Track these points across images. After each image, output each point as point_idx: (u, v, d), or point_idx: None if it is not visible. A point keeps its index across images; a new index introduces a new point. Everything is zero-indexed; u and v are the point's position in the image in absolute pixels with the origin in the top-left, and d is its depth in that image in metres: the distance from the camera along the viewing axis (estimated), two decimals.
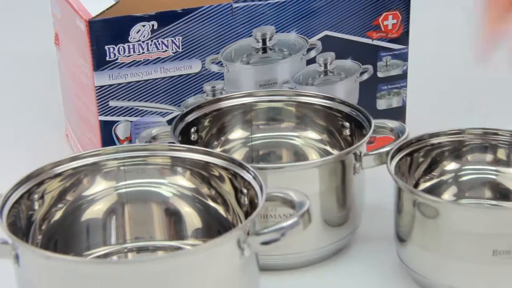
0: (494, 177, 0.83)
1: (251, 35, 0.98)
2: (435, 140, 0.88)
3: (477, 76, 1.30)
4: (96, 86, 0.94)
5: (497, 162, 0.83)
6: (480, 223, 0.77)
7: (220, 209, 0.82)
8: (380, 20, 1.02)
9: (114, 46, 0.93)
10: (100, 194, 0.83)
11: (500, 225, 0.77)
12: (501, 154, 0.84)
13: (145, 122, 0.97)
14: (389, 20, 1.03)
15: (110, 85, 0.95)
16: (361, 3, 1.01)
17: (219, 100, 0.97)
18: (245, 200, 0.79)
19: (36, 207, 0.79)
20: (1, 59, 1.38)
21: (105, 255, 0.83)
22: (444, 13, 1.50)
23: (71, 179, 0.81)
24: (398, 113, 1.07)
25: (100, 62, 0.93)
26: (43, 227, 0.79)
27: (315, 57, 1.02)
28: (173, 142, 0.87)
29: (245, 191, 0.79)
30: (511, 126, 0.87)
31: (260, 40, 0.99)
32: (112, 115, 0.96)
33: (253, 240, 0.71)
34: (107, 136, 0.97)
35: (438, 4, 1.50)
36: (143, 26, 0.93)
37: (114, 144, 0.97)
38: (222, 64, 0.98)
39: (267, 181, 0.79)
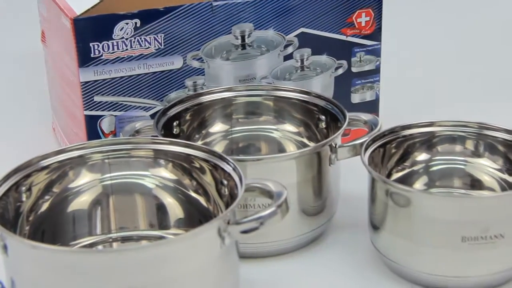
0: (462, 167, 0.83)
1: (231, 32, 0.98)
2: (406, 132, 0.88)
3: (447, 70, 1.31)
4: (82, 82, 0.94)
5: (465, 152, 0.84)
6: (450, 211, 0.77)
7: (202, 200, 0.82)
8: (354, 18, 1.03)
9: (99, 43, 0.92)
10: (85, 186, 0.83)
11: (469, 213, 0.77)
12: (469, 145, 0.85)
13: (129, 116, 0.97)
14: (363, 18, 1.03)
15: (95, 81, 0.94)
16: (335, 1, 1.01)
17: (200, 94, 0.96)
18: (225, 191, 0.79)
19: (24, 199, 0.78)
20: None
21: (91, 245, 0.83)
22: (415, 10, 1.50)
23: (57, 171, 0.81)
24: (372, 107, 1.07)
25: (85, 58, 0.93)
26: (31, 218, 0.79)
27: (292, 53, 1.02)
28: (156, 136, 0.87)
29: (225, 182, 0.78)
30: (478, 118, 0.88)
31: (239, 37, 0.99)
32: (97, 110, 0.96)
33: (233, 229, 0.71)
34: (93, 130, 0.96)
35: (409, 2, 1.50)
36: (126, 24, 0.93)
37: (99, 137, 0.96)
38: (202, 60, 0.98)
39: (246, 173, 0.79)
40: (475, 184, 0.86)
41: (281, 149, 0.98)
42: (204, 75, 0.98)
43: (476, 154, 0.84)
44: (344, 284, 0.84)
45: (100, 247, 0.83)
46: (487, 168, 0.82)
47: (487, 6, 1.54)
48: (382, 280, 0.83)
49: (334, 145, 0.86)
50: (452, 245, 0.78)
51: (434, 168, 0.84)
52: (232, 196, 0.76)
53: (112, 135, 0.97)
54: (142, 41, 0.94)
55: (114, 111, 0.96)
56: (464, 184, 0.86)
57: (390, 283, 0.83)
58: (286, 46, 1.01)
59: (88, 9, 0.92)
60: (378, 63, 1.06)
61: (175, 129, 0.94)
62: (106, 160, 0.83)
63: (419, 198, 0.79)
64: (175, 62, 0.97)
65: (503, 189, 0.85)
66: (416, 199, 0.79)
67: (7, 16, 1.47)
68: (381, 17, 1.04)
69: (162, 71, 0.96)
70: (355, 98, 1.07)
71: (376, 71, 1.06)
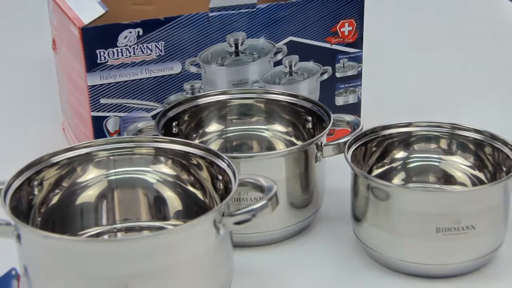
0: (437, 164, 0.83)
1: (225, 40, 0.98)
2: (386, 132, 0.88)
3: (423, 75, 1.31)
4: (89, 86, 0.93)
5: (439, 151, 0.84)
6: (425, 204, 0.77)
7: (198, 194, 0.82)
8: (337, 27, 1.02)
9: (104, 50, 0.92)
10: (92, 180, 0.82)
11: (443, 206, 0.77)
12: (443, 144, 0.85)
13: (132, 117, 0.97)
14: (346, 27, 1.03)
15: (101, 85, 0.94)
16: (321, 12, 1.01)
17: (197, 97, 0.96)
18: (220, 186, 0.79)
19: (36, 192, 0.78)
20: (5, 62, 1.37)
21: (97, 235, 0.83)
22: (394, 20, 1.50)
23: (66, 167, 0.81)
24: (354, 108, 1.07)
25: (92, 64, 0.92)
26: (42, 210, 0.79)
27: (281, 59, 1.01)
28: (156, 135, 0.87)
29: (220, 177, 0.78)
30: (452, 119, 0.88)
31: (233, 45, 0.99)
32: (103, 111, 0.95)
33: (227, 220, 0.71)
34: (99, 129, 0.96)
35: (388, 13, 1.50)
36: (130, 32, 0.93)
37: (105, 136, 0.96)
38: (199, 65, 0.97)
39: (239, 169, 0.79)
40: (448, 179, 0.86)
41: (272, 147, 0.98)
42: (201, 79, 0.98)
43: (449, 152, 0.84)
44: (328, 271, 0.84)
45: (105, 236, 0.83)
46: (459, 165, 0.83)
47: (459, 12, 1.54)
48: (363, 267, 0.83)
49: (319, 144, 0.86)
50: (427, 236, 0.78)
51: (411, 165, 0.84)
52: (227, 190, 0.76)
53: (117, 134, 0.97)
54: (144, 48, 0.94)
55: (119, 112, 0.96)
56: (438, 179, 0.87)
57: (371, 270, 0.83)
58: (276, 53, 1.01)
59: (95, 19, 0.92)
60: (360, 69, 1.06)
61: (174, 129, 0.94)
62: (111, 157, 0.83)
63: (397, 192, 0.79)
64: (174, 68, 0.97)
65: (474, 184, 0.85)
66: (395, 193, 0.79)
67: (22, 26, 1.46)
68: (362, 27, 1.04)
69: (163, 76, 0.96)
70: (339, 100, 1.06)
71: (358, 76, 1.06)
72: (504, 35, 1.47)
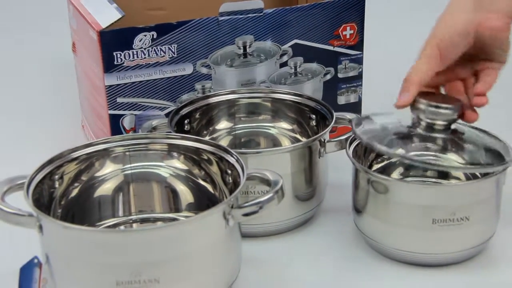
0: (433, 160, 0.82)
1: (234, 43, 0.98)
2: None
3: None
4: (106, 86, 0.93)
5: (435, 148, 0.83)
6: (422, 197, 0.77)
7: (209, 187, 0.82)
8: (339, 31, 1.02)
9: (121, 52, 0.92)
10: (109, 174, 0.82)
11: (438, 199, 0.77)
12: (439, 142, 0.84)
13: (146, 115, 0.97)
14: (347, 31, 1.02)
15: (118, 85, 0.94)
16: (324, 17, 1.00)
17: (208, 97, 0.96)
18: (229, 179, 0.78)
19: (57, 186, 0.78)
20: (29, 64, 1.37)
21: (114, 225, 0.83)
22: (393, 25, 1.50)
23: (85, 162, 0.81)
24: (355, 107, 1.06)
25: (109, 65, 0.92)
26: (62, 202, 0.79)
27: (286, 61, 1.01)
28: (169, 132, 0.87)
29: (229, 172, 0.78)
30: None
31: (242, 47, 0.98)
32: (119, 110, 0.95)
33: (236, 212, 0.71)
34: (116, 127, 0.96)
35: (387, 18, 1.50)
36: (145, 35, 0.92)
37: (121, 133, 0.96)
38: (210, 67, 0.97)
39: (247, 164, 0.78)
40: (444, 174, 0.85)
41: (278, 144, 0.97)
42: (211, 79, 0.98)
43: (444, 150, 0.83)
44: (331, 259, 0.83)
45: (122, 227, 0.83)
46: (454, 161, 0.82)
47: None
48: (363, 255, 0.83)
49: (323, 140, 0.86)
50: (424, 226, 0.77)
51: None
52: (235, 184, 0.76)
53: (132, 131, 0.97)
54: (158, 50, 0.94)
55: (134, 110, 0.96)
56: (434, 174, 0.86)
57: (370, 259, 0.83)
58: (281, 55, 1.00)
59: (112, 23, 0.91)
60: (360, 70, 1.05)
61: (186, 126, 0.94)
62: (127, 153, 0.83)
63: (396, 186, 0.79)
64: (186, 69, 0.96)
65: (468, 178, 0.84)
66: (393, 187, 0.78)
67: (44, 31, 1.46)
68: (363, 30, 1.03)
69: (175, 76, 0.96)
70: (341, 100, 1.06)
71: (359, 77, 1.06)
72: None
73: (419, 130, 0.81)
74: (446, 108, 0.78)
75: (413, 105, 0.80)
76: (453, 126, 0.81)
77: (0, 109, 1.21)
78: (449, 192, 0.78)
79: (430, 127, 0.80)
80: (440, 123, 0.80)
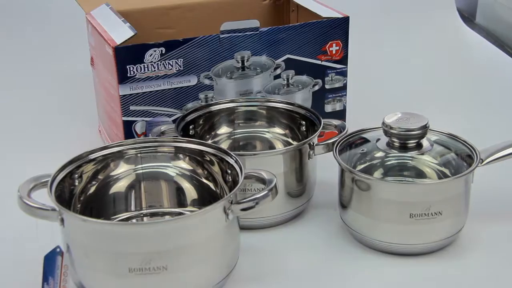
0: (410, 161, 0.82)
1: (234, 58, 0.97)
2: (366, 134, 0.87)
3: (400, 86, 1.31)
4: (120, 95, 0.93)
5: (412, 150, 0.82)
6: (400, 194, 0.77)
7: (211, 185, 0.81)
8: (327, 47, 1.02)
9: (133, 66, 0.92)
10: (123, 174, 0.82)
11: (415, 196, 0.77)
12: (414, 144, 0.83)
13: (156, 121, 0.96)
14: (333, 47, 1.02)
15: (131, 94, 0.93)
16: (313, 35, 1.00)
17: (210, 105, 0.96)
18: (229, 178, 0.78)
19: (76, 183, 0.78)
20: (53, 77, 1.36)
21: (127, 219, 0.82)
22: (374, 42, 1.49)
23: (102, 163, 0.80)
24: (340, 114, 1.06)
25: (123, 77, 0.92)
26: (81, 198, 0.79)
27: (280, 74, 1.01)
28: (176, 136, 0.86)
29: (229, 171, 0.78)
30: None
31: (240, 61, 0.98)
32: (132, 116, 0.95)
33: (235, 207, 0.71)
34: (129, 131, 0.95)
35: (369, 37, 1.49)
36: (155, 51, 0.92)
37: (134, 137, 0.95)
38: (212, 78, 0.97)
39: (245, 164, 0.78)
40: (419, 174, 0.85)
41: (272, 147, 0.97)
42: (213, 90, 0.97)
43: (420, 151, 0.83)
44: (319, 249, 0.83)
45: (134, 220, 0.82)
46: (428, 162, 0.82)
47: (423, 31, 1.54)
48: (348, 246, 0.83)
49: (312, 144, 0.86)
50: (402, 220, 0.77)
51: (388, 162, 0.83)
52: (234, 182, 0.75)
53: (143, 135, 0.96)
54: (166, 64, 0.93)
55: (145, 117, 0.95)
56: (410, 174, 0.85)
57: (355, 249, 0.82)
58: (275, 68, 1.00)
59: (126, 40, 0.91)
60: (345, 81, 1.05)
61: (191, 131, 0.93)
62: (139, 154, 0.82)
63: (377, 184, 0.78)
64: (191, 80, 0.96)
65: (440, 178, 0.84)
66: (375, 185, 0.78)
67: (65, 47, 1.46)
68: (347, 46, 1.03)
69: (181, 87, 0.95)
70: (328, 108, 1.06)
71: (344, 87, 1.05)
72: (463, 53, 1.47)
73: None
74: None
75: None
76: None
77: (27, 116, 1.20)
78: (425, 190, 0.77)
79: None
80: None
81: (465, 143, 0.84)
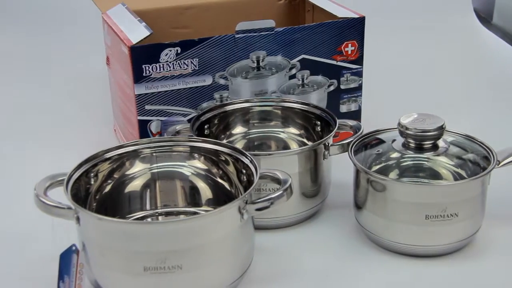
0: (426, 162, 0.81)
1: (249, 58, 0.97)
2: (381, 135, 0.87)
3: (414, 87, 1.30)
4: (136, 94, 0.93)
5: (428, 151, 0.82)
6: (416, 195, 0.76)
7: (226, 185, 0.81)
8: (342, 47, 1.01)
9: (149, 65, 0.92)
10: (138, 173, 0.82)
11: (430, 197, 0.76)
12: (430, 145, 0.83)
13: (171, 120, 0.96)
14: (349, 47, 1.02)
15: (146, 94, 0.93)
16: (328, 35, 0.99)
17: (225, 105, 0.96)
18: (244, 178, 0.78)
19: (92, 182, 0.78)
20: (69, 76, 1.37)
21: (142, 218, 0.82)
22: (389, 42, 1.49)
23: (117, 162, 0.81)
24: (356, 115, 1.06)
25: (138, 77, 0.92)
26: (97, 197, 0.79)
27: (295, 74, 1.00)
28: (191, 135, 0.87)
29: (244, 171, 0.78)
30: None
31: (255, 61, 0.98)
32: (147, 116, 0.95)
33: (250, 207, 0.71)
34: (144, 131, 0.96)
35: (384, 37, 1.49)
36: (170, 50, 0.92)
37: (149, 137, 0.96)
38: (227, 78, 0.97)
39: (260, 164, 0.78)
40: (435, 175, 0.84)
41: (287, 147, 0.97)
42: (228, 90, 0.98)
43: (436, 153, 0.82)
44: (334, 250, 0.83)
45: (149, 219, 0.82)
46: (444, 163, 0.81)
47: (442, 31, 1.53)
48: (363, 247, 0.82)
49: (327, 144, 0.86)
50: (417, 221, 0.77)
51: (404, 163, 0.82)
52: (249, 182, 0.75)
53: (159, 135, 0.96)
54: (181, 64, 0.93)
55: (160, 116, 0.96)
56: (426, 175, 0.85)
57: (369, 249, 0.82)
58: (290, 69, 1.00)
59: (142, 40, 0.91)
60: (360, 82, 1.05)
61: (206, 131, 0.93)
62: (154, 154, 0.82)
63: (393, 185, 0.78)
64: (206, 80, 0.96)
65: (456, 179, 0.83)
66: (391, 186, 0.78)
67: (81, 46, 1.47)
68: (363, 47, 1.03)
69: (196, 87, 0.96)
70: (343, 108, 1.05)
71: (359, 88, 1.05)
72: (483, 55, 1.46)
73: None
74: None
75: None
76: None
77: (44, 115, 1.21)
78: (441, 191, 0.77)
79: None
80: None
81: (481, 144, 0.83)
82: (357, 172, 0.82)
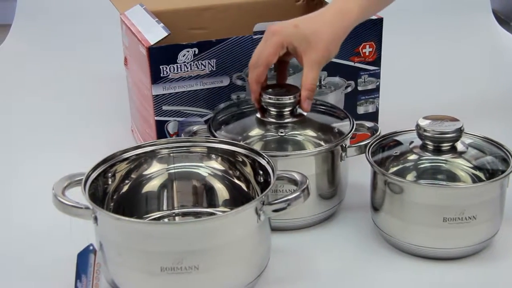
0: (444, 164, 0.81)
1: None
2: (399, 137, 0.86)
3: (431, 88, 1.29)
4: (153, 95, 0.93)
5: (446, 153, 0.81)
6: (434, 198, 0.76)
7: (243, 186, 0.81)
8: (360, 49, 1.01)
9: (167, 66, 0.92)
10: (155, 173, 0.82)
11: (448, 199, 0.76)
12: (448, 147, 0.82)
13: (188, 121, 0.96)
14: (367, 49, 1.01)
15: (163, 94, 0.94)
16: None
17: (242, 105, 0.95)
18: (261, 179, 0.78)
19: (110, 182, 0.79)
20: (87, 76, 1.38)
21: (159, 218, 0.83)
22: (407, 44, 1.48)
23: (134, 162, 0.81)
24: (373, 116, 1.05)
25: (156, 77, 0.92)
26: (114, 197, 0.79)
27: None
28: (208, 136, 0.87)
29: (261, 172, 0.78)
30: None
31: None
32: (164, 116, 0.95)
33: (266, 208, 0.71)
34: (161, 131, 0.96)
35: (402, 39, 1.48)
36: (188, 51, 0.92)
37: (166, 137, 0.96)
38: (244, 79, 0.97)
39: (277, 165, 0.78)
40: (453, 177, 0.83)
41: (304, 148, 0.96)
42: (245, 91, 0.98)
43: (454, 155, 0.82)
44: (351, 251, 0.82)
45: (166, 220, 0.83)
46: (462, 166, 0.80)
47: (462, 32, 1.52)
48: (380, 249, 0.82)
49: (344, 146, 0.85)
50: (435, 224, 0.76)
51: (422, 165, 0.82)
52: (266, 183, 0.75)
53: (176, 135, 0.97)
54: (199, 64, 0.94)
55: (177, 117, 0.96)
56: (444, 177, 0.84)
57: (386, 251, 0.82)
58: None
59: (159, 40, 0.91)
60: (378, 83, 1.04)
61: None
62: (171, 154, 0.83)
63: (410, 187, 0.77)
64: (224, 81, 0.96)
65: (474, 182, 0.82)
66: (408, 188, 0.77)
67: (99, 47, 1.48)
68: (381, 48, 1.02)
69: (214, 88, 0.96)
70: (360, 110, 1.05)
71: (377, 89, 1.05)
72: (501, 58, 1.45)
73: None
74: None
75: None
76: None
77: (62, 116, 1.22)
78: (459, 193, 0.76)
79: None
80: None
81: (500, 147, 0.82)
82: (375, 174, 0.81)
